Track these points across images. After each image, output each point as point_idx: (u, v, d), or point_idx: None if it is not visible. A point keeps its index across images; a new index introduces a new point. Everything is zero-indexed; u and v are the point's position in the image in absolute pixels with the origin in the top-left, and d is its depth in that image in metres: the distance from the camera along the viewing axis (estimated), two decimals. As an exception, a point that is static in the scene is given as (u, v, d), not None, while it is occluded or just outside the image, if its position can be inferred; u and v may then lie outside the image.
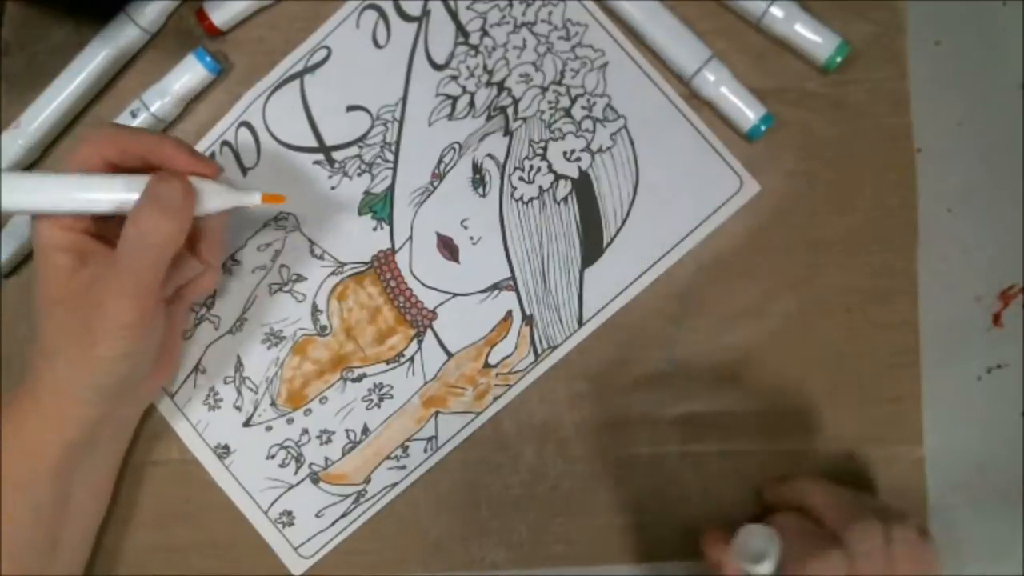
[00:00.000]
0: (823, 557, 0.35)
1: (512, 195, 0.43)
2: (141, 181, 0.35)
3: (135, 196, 0.34)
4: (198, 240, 0.38)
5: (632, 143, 0.42)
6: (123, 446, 0.42)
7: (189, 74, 0.42)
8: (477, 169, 0.43)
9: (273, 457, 0.43)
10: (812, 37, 0.41)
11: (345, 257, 0.43)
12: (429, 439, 0.43)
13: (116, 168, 0.36)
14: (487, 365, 0.43)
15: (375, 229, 0.43)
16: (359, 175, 0.43)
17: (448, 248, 0.43)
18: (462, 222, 0.43)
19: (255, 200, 0.37)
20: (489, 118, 0.42)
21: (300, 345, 0.43)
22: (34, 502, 0.37)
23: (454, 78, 0.42)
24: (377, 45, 0.43)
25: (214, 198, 0.36)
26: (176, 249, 0.35)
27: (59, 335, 0.36)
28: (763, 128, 0.41)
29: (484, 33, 0.42)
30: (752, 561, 0.34)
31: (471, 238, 0.43)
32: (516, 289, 0.43)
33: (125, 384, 0.37)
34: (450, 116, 0.43)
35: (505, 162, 0.43)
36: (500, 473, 0.41)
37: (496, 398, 0.43)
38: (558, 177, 0.42)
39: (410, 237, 0.43)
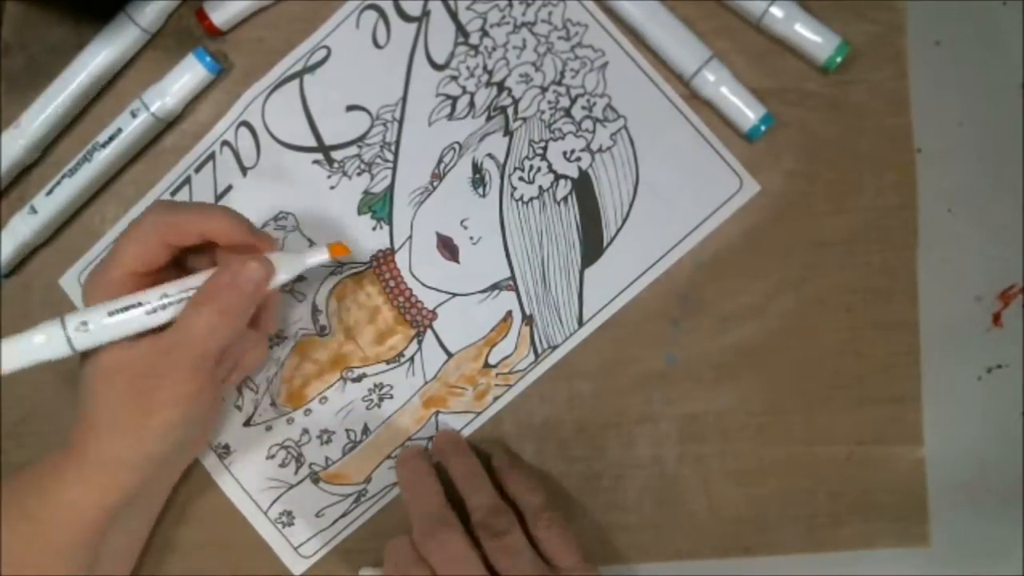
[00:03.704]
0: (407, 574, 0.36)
1: (512, 195, 0.43)
2: (191, 285, 0.36)
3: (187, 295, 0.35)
4: (258, 312, 0.38)
5: (632, 143, 0.42)
6: (160, 504, 0.42)
7: (189, 74, 0.42)
8: (477, 169, 0.43)
9: (273, 457, 0.43)
10: (812, 37, 0.41)
11: (345, 257, 0.43)
12: (429, 439, 0.43)
13: (173, 249, 0.36)
14: (487, 365, 0.43)
15: (375, 229, 0.43)
16: (358, 175, 0.43)
17: (448, 248, 0.43)
18: (462, 222, 0.43)
19: (323, 258, 0.38)
20: (489, 118, 0.42)
21: (300, 345, 0.43)
22: (70, 566, 0.37)
23: (454, 78, 0.42)
24: (377, 45, 0.43)
25: (282, 271, 0.37)
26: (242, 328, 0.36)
27: (112, 405, 0.35)
28: (763, 128, 0.41)
29: (484, 33, 0.42)
30: None
31: (471, 238, 0.43)
32: (516, 289, 0.43)
33: (174, 452, 0.37)
34: (450, 116, 0.43)
35: (505, 162, 0.43)
36: (500, 473, 0.41)
37: (496, 398, 0.43)
38: (558, 177, 0.42)
39: (410, 237, 0.43)
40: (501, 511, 0.38)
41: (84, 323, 0.34)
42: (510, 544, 0.36)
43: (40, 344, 0.34)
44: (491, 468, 0.41)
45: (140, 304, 0.35)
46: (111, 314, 0.34)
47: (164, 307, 0.35)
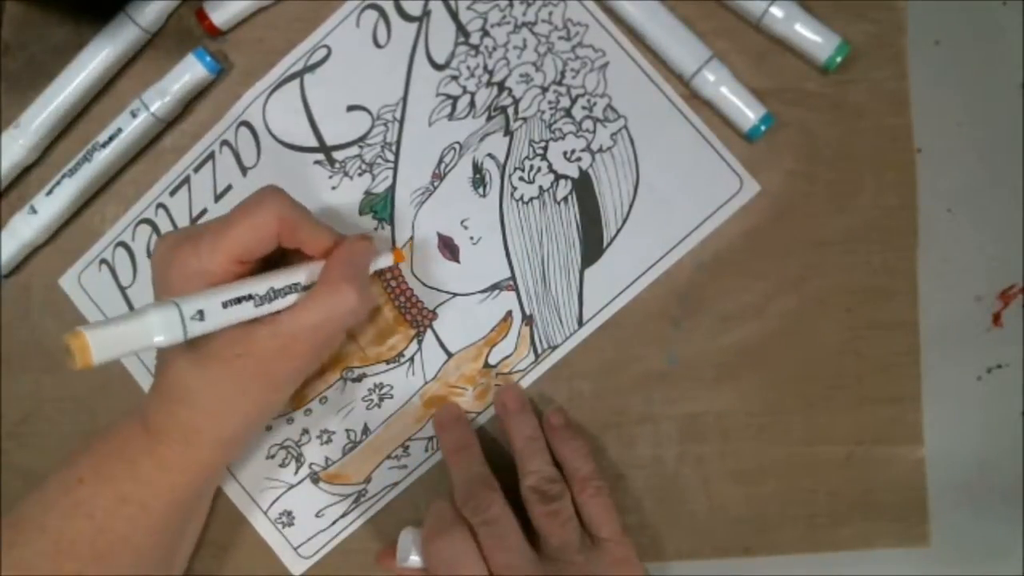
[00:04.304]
0: (447, 534, 0.37)
1: (512, 195, 0.43)
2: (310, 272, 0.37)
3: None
4: None
5: (632, 143, 0.42)
6: (214, 487, 0.43)
7: (189, 74, 0.42)
8: (477, 169, 0.43)
9: (273, 457, 0.43)
10: (812, 37, 0.41)
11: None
12: (430, 439, 0.43)
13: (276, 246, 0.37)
14: (487, 365, 0.43)
15: (376, 229, 0.43)
16: (360, 175, 0.43)
17: (448, 248, 0.43)
18: (462, 222, 0.43)
19: (389, 262, 0.41)
20: (489, 118, 0.42)
21: (300, 345, 0.43)
22: (164, 543, 0.38)
23: (454, 78, 0.42)
24: (377, 45, 0.43)
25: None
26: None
27: (231, 389, 0.35)
28: (763, 128, 0.41)
29: (485, 33, 0.42)
30: (404, 560, 0.39)
31: (471, 238, 0.43)
32: (516, 289, 0.43)
33: (256, 434, 0.38)
34: (450, 116, 0.43)
35: (505, 162, 0.43)
36: (502, 473, 0.40)
37: (496, 398, 0.43)
38: (558, 177, 0.42)
39: (411, 237, 0.43)
40: (555, 479, 0.39)
41: (200, 312, 0.33)
42: (560, 511, 0.38)
43: (153, 329, 0.31)
44: (542, 424, 0.42)
45: (250, 297, 0.34)
46: (225, 305, 0.34)
47: (271, 300, 0.35)
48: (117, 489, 0.36)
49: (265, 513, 0.43)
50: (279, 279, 0.36)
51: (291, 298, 0.36)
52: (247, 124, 0.43)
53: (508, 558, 0.36)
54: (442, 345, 0.43)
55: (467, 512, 0.37)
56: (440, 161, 0.43)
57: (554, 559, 0.37)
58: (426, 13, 0.42)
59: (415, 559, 0.39)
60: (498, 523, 0.37)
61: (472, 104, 0.42)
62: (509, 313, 0.43)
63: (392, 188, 0.43)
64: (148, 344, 0.31)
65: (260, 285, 0.35)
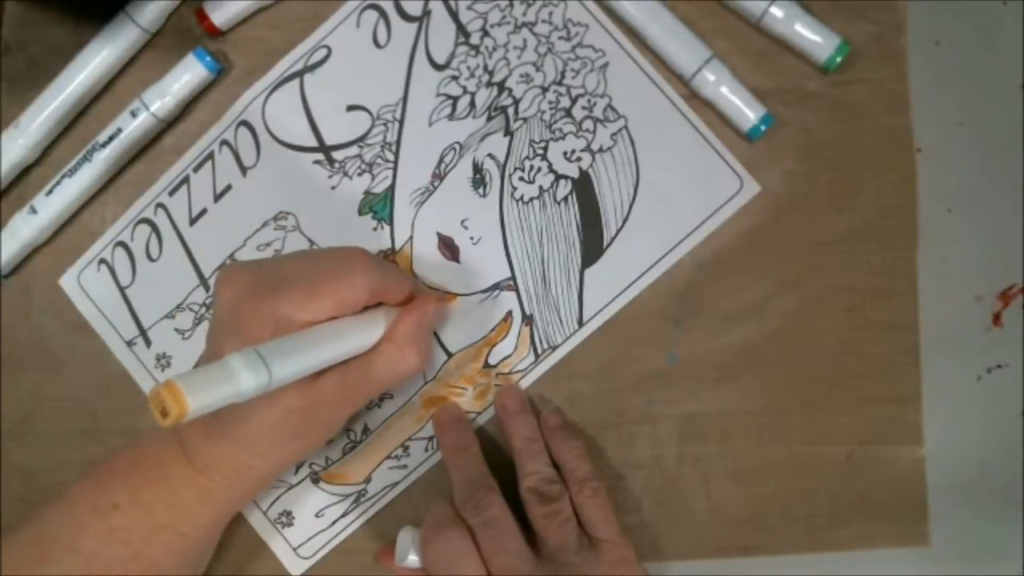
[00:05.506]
0: (445, 534, 0.37)
1: (512, 195, 0.43)
2: (381, 321, 0.36)
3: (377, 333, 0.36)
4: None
5: (632, 143, 0.42)
6: None
7: (189, 74, 0.42)
8: (477, 169, 0.43)
9: (273, 457, 0.43)
10: (812, 37, 0.41)
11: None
12: (430, 439, 0.43)
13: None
14: (487, 365, 0.43)
15: (375, 229, 0.43)
16: (359, 175, 0.43)
17: (448, 248, 0.43)
18: (462, 222, 0.43)
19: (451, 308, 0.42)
20: (490, 118, 0.42)
21: (300, 345, 0.43)
22: (196, 567, 0.39)
23: (455, 78, 0.42)
24: (377, 45, 0.43)
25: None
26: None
27: (269, 432, 0.35)
28: (763, 128, 0.41)
29: (485, 33, 0.42)
30: (403, 559, 0.39)
31: (471, 238, 0.43)
32: (516, 289, 0.43)
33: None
34: (451, 116, 0.43)
35: (505, 162, 0.43)
36: (500, 473, 0.40)
37: (496, 398, 0.43)
38: (558, 177, 0.42)
39: (410, 237, 0.43)
40: (554, 479, 0.39)
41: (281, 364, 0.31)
42: (558, 511, 0.38)
43: (241, 381, 0.29)
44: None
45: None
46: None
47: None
48: (155, 519, 0.36)
49: (264, 513, 0.43)
50: (355, 333, 0.35)
51: (358, 344, 0.36)
52: (247, 124, 0.43)
53: (506, 559, 0.36)
54: (442, 345, 0.43)
55: (466, 513, 0.37)
56: (440, 161, 0.43)
57: (552, 560, 0.37)
58: (426, 13, 0.42)
59: (413, 558, 0.39)
60: (497, 524, 0.37)
61: (472, 104, 0.42)
62: (509, 313, 0.43)
63: (392, 188, 0.43)
64: (236, 394, 0.29)
65: (339, 345, 0.34)
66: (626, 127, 0.42)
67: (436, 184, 0.43)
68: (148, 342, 0.44)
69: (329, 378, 0.35)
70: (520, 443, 0.40)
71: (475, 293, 0.43)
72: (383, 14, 0.43)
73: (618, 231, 0.42)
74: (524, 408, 0.42)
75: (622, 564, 0.38)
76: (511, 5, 0.42)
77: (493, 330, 0.43)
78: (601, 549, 0.38)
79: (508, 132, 0.42)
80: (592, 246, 0.42)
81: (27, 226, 0.42)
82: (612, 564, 0.37)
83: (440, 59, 0.43)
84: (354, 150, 0.43)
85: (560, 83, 0.42)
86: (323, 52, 0.43)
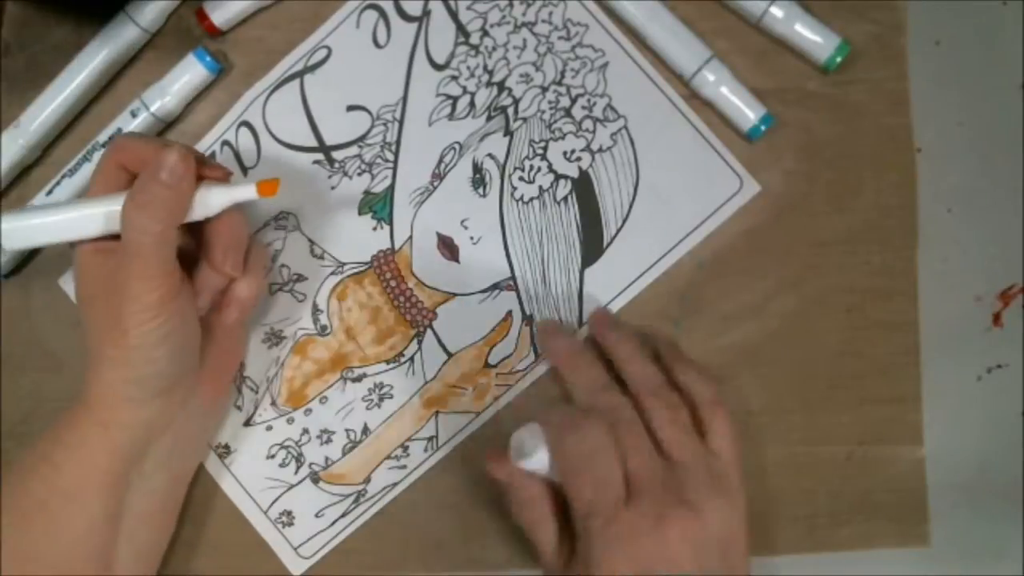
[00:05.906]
0: (581, 431, 0.35)
1: (512, 195, 0.43)
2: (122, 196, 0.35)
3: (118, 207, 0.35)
4: (209, 249, 0.37)
5: (632, 143, 0.42)
6: (184, 471, 0.41)
7: (189, 74, 0.42)
8: (477, 169, 0.43)
9: (273, 457, 0.43)
10: (812, 37, 0.41)
11: (345, 257, 0.43)
12: (429, 439, 0.43)
13: (133, 176, 0.36)
14: (487, 365, 0.43)
15: (375, 229, 0.43)
16: (359, 175, 0.43)
17: (448, 248, 0.43)
18: (462, 222, 0.43)
19: (251, 192, 0.35)
20: (489, 118, 0.42)
21: (300, 345, 0.43)
22: (87, 514, 0.37)
23: (454, 78, 0.42)
24: (377, 45, 0.43)
25: (211, 199, 0.35)
26: (175, 225, 0.35)
27: (97, 333, 0.36)
28: (763, 128, 0.41)
29: (484, 33, 0.42)
30: (530, 455, 0.36)
31: (471, 238, 0.43)
32: (516, 289, 0.43)
33: (166, 379, 0.36)
34: (450, 116, 0.43)
35: (505, 162, 0.43)
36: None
37: (496, 398, 0.43)
38: (558, 177, 0.42)
39: (410, 237, 0.43)
40: (669, 386, 0.38)
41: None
42: (679, 419, 0.36)
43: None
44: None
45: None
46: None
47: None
48: (42, 449, 0.37)
49: (265, 513, 0.43)
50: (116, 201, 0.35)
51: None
52: (247, 124, 0.43)
53: (642, 459, 0.35)
54: (442, 345, 0.43)
55: (596, 413, 0.36)
56: (440, 161, 0.43)
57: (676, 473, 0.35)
58: (426, 13, 0.42)
59: (542, 455, 0.36)
60: (632, 424, 0.36)
61: (472, 104, 0.42)
62: (509, 313, 0.43)
63: (391, 188, 0.43)
64: None
65: (79, 208, 0.36)
66: (626, 127, 0.42)
67: (436, 184, 0.43)
68: (148, 342, 0.44)
69: (111, 261, 0.35)
70: (623, 352, 0.39)
71: (475, 293, 0.43)
72: (383, 14, 0.43)
73: (618, 231, 0.42)
74: (619, 324, 0.41)
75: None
76: (511, 5, 0.42)
77: (493, 330, 0.43)
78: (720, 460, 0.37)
79: (508, 132, 0.42)
80: (592, 246, 0.42)
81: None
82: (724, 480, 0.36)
83: (440, 59, 0.43)
84: (354, 150, 0.43)
85: (560, 83, 0.42)
86: (323, 52, 0.43)
